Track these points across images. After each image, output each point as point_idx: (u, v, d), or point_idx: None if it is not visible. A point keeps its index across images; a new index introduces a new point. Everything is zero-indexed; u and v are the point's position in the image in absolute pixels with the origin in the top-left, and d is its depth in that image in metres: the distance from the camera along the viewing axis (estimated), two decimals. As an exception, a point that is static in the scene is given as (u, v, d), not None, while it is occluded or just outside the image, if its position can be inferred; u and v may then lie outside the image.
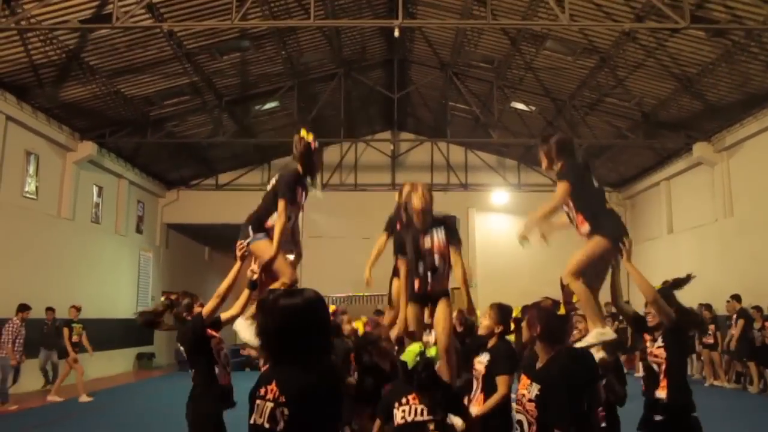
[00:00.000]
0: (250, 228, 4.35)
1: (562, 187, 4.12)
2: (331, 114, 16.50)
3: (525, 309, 3.67)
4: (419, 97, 17.50)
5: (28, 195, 12.60)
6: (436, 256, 4.20)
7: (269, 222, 4.35)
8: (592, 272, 4.06)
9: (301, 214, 4.64)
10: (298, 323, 2.27)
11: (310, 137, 4.39)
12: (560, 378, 2.98)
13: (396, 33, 10.59)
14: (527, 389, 3.13)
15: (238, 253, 4.26)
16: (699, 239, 15.00)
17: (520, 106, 15.82)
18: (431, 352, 3.54)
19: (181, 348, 4.33)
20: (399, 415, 3.44)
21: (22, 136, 12.28)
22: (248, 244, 4.29)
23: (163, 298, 4.49)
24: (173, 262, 20.08)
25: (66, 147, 13.75)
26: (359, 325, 3.75)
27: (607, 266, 4.16)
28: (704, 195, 14.73)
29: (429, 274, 4.20)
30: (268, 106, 15.63)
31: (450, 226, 4.34)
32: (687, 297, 14.58)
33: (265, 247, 4.27)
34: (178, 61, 12.46)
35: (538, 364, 3.17)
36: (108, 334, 15.48)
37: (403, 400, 3.45)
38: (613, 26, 10.86)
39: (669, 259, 16.43)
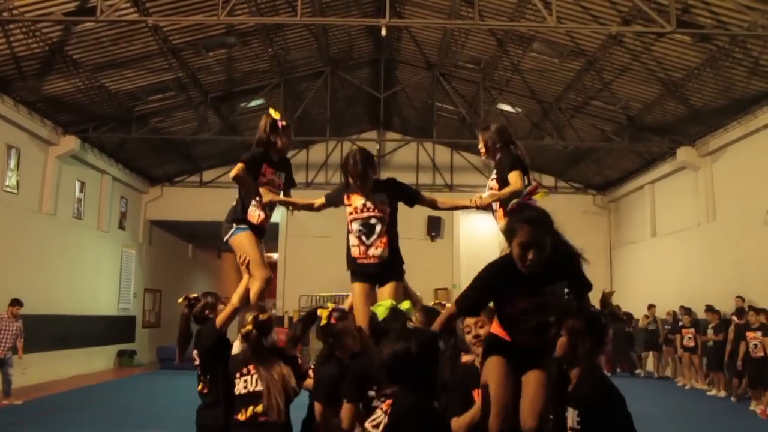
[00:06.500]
0: (233, 222, 4.36)
1: (516, 175, 4.34)
2: (318, 112, 16.45)
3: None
4: (406, 97, 17.48)
5: (8, 189, 12.44)
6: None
7: (251, 213, 4.36)
8: None
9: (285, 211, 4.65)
10: None
11: (277, 114, 4.41)
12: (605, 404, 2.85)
13: (383, 32, 10.58)
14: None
15: (242, 267, 4.24)
16: (682, 243, 15.11)
17: (507, 107, 15.86)
18: (404, 305, 3.45)
19: (194, 352, 4.08)
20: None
21: (3, 130, 12.11)
22: (229, 237, 4.29)
23: (181, 300, 4.29)
24: (156, 259, 19.94)
25: (48, 141, 13.58)
26: (323, 314, 3.63)
27: None
28: (688, 199, 14.84)
29: (364, 237, 4.12)
30: (253, 103, 15.54)
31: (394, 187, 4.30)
32: (670, 301, 14.86)
33: (244, 240, 4.28)
34: (164, 56, 12.35)
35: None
36: (89, 331, 15.37)
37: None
38: (600, 29, 10.89)
39: (652, 263, 16.56)
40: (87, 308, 15.36)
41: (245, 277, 4.26)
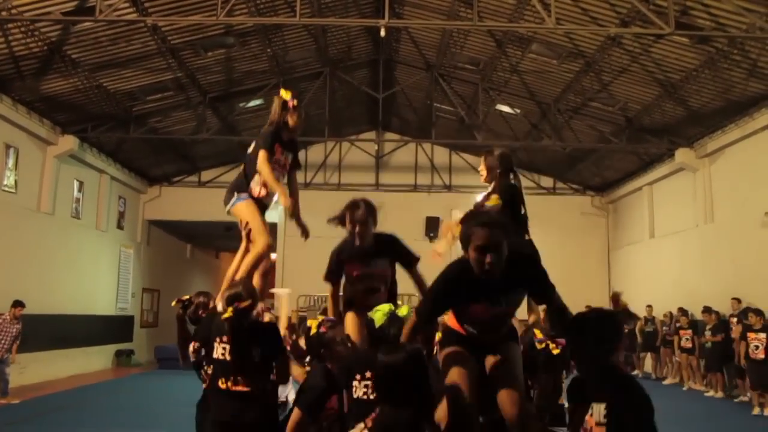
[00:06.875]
0: (235, 191, 4.38)
1: (495, 204, 4.55)
2: (316, 113, 16.42)
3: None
4: (404, 98, 17.48)
5: (6, 189, 12.42)
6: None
7: (253, 187, 4.36)
8: None
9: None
10: None
11: (287, 95, 4.41)
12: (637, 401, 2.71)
13: (382, 33, 10.57)
14: (590, 414, 2.80)
15: (243, 232, 4.28)
16: (680, 244, 15.12)
17: (505, 108, 15.85)
18: (402, 311, 3.46)
19: (194, 344, 4.10)
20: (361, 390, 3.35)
21: (1, 129, 12.10)
22: (231, 206, 4.31)
23: (174, 303, 4.30)
24: (154, 259, 19.92)
25: (47, 141, 13.57)
26: (312, 324, 3.63)
27: None
28: (686, 200, 14.85)
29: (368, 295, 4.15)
30: (252, 103, 15.53)
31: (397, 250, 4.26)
32: (668, 302, 14.83)
33: (244, 208, 4.29)
34: (162, 56, 12.34)
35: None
36: (87, 330, 15.34)
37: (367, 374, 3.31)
38: (599, 31, 10.90)
39: (650, 264, 16.57)
40: (85, 308, 15.34)
41: (242, 247, 4.28)
